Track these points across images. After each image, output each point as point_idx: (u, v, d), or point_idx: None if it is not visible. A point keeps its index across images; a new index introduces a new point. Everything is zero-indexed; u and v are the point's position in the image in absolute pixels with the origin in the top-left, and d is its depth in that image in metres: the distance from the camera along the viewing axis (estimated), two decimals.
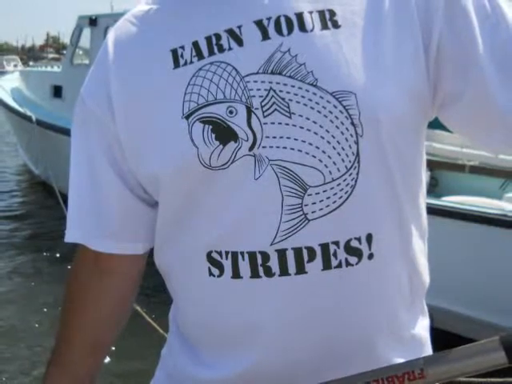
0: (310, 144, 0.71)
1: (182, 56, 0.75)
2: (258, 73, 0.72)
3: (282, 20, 0.73)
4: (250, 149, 0.71)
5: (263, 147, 0.71)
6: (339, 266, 0.72)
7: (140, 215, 0.83)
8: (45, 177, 7.77)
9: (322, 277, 0.72)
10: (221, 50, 0.73)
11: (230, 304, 0.76)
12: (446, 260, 3.32)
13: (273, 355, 0.75)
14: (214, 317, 0.78)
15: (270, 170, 0.71)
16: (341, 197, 0.72)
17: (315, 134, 0.71)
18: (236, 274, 0.73)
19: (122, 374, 3.55)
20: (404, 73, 0.72)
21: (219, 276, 0.75)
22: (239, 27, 0.74)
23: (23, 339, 4.16)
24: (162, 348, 0.91)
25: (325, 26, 0.73)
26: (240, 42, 0.73)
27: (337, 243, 0.72)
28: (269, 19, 0.73)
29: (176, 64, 0.75)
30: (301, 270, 0.72)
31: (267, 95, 0.71)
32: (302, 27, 0.73)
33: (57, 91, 7.72)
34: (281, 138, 0.71)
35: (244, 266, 0.73)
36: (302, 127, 0.71)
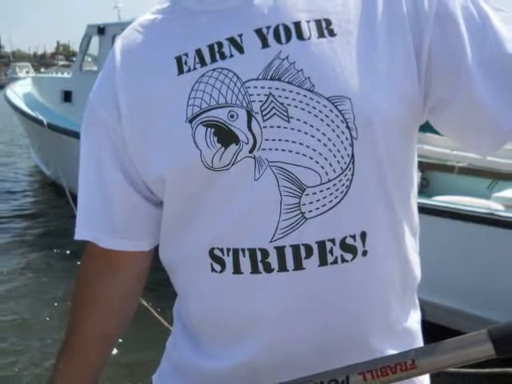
0: (308, 146, 0.71)
1: (185, 63, 0.75)
2: (257, 79, 0.71)
3: (281, 29, 0.73)
4: (251, 151, 0.71)
5: (263, 149, 0.71)
6: (335, 262, 0.72)
7: (145, 214, 0.83)
8: (55, 177, 7.76)
9: (319, 272, 0.72)
10: (223, 57, 0.73)
11: (231, 298, 0.76)
12: (437, 256, 3.32)
13: (271, 347, 0.75)
14: (216, 310, 0.78)
15: (269, 171, 0.71)
16: (336, 196, 0.72)
17: (312, 136, 0.71)
18: (237, 270, 0.74)
19: (129, 365, 3.55)
20: (397, 78, 0.72)
21: (221, 272, 0.75)
22: (240, 35, 0.74)
23: (35, 332, 4.15)
24: (166, 340, 0.91)
25: (321, 35, 0.73)
26: (241, 50, 0.73)
27: (333, 240, 0.72)
28: (268, 28, 0.73)
29: (180, 70, 0.75)
30: (299, 266, 0.72)
31: (267, 100, 0.71)
32: (300, 35, 0.72)
33: (67, 96, 7.72)
34: (280, 140, 0.71)
35: (244, 262, 0.73)
36: (299, 130, 0.71)
